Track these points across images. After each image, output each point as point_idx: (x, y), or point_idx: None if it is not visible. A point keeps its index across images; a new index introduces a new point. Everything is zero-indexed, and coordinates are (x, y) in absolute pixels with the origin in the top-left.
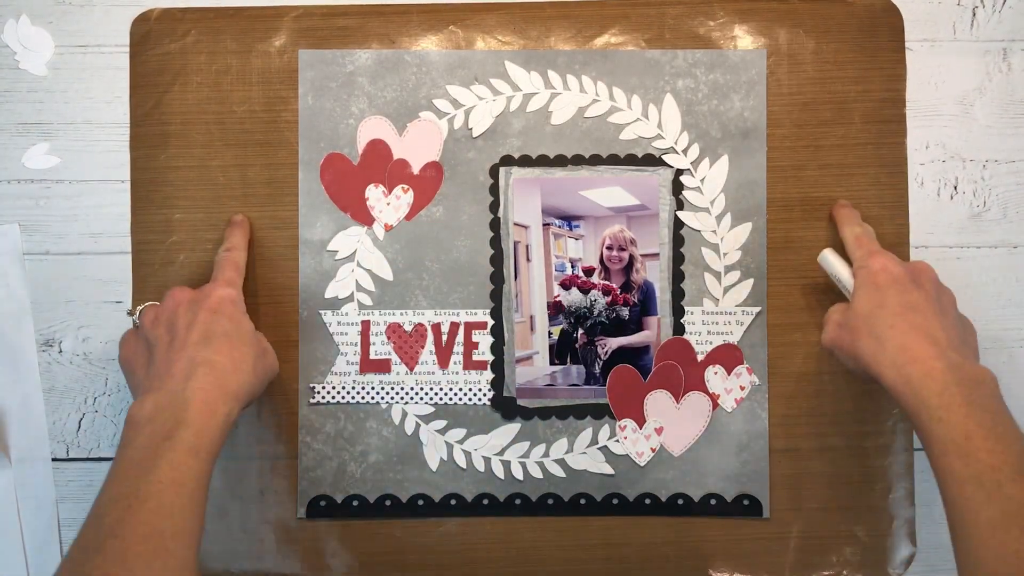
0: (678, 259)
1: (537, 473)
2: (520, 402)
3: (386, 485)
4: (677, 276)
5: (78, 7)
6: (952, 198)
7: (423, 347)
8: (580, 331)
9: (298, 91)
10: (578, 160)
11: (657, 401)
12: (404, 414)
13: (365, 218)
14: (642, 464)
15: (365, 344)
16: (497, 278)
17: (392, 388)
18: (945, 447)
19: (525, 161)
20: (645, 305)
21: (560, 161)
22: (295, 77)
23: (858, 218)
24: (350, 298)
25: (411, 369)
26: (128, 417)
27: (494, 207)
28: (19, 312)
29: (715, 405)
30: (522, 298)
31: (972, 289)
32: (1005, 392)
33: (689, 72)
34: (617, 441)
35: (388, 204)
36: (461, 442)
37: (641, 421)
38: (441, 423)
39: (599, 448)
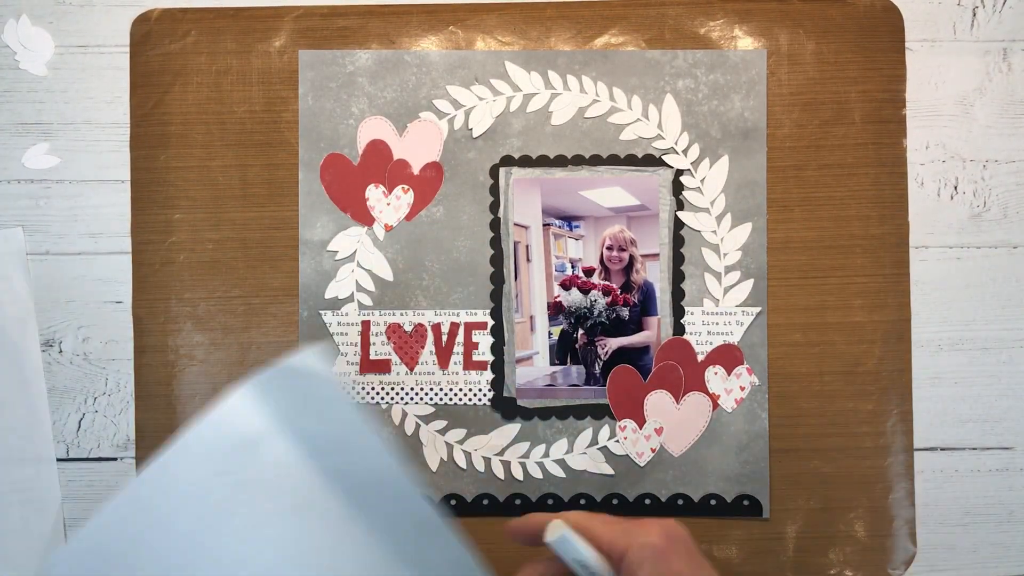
0: (678, 259)
1: (537, 473)
2: (520, 402)
3: None
4: (677, 276)
5: (78, 7)
6: (952, 198)
7: (423, 347)
8: (580, 331)
9: (298, 91)
10: (578, 160)
11: (657, 401)
12: (404, 414)
13: (365, 218)
14: (642, 464)
15: (365, 344)
16: (497, 278)
17: (392, 388)
18: None
19: (525, 161)
20: (645, 305)
21: (560, 161)
22: (295, 77)
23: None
24: (350, 298)
25: (411, 369)
26: None
27: (494, 207)
28: (24, 315)
29: (715, 405)
30: (522, 298)
31: (972, 289)
32: (1005, 391)
33: (689, 72)
34: (617, 441)
35: (388, 204)
36: (461, 442)
37: (641, 421)
38: (441, 423)
39: (599, 448)
